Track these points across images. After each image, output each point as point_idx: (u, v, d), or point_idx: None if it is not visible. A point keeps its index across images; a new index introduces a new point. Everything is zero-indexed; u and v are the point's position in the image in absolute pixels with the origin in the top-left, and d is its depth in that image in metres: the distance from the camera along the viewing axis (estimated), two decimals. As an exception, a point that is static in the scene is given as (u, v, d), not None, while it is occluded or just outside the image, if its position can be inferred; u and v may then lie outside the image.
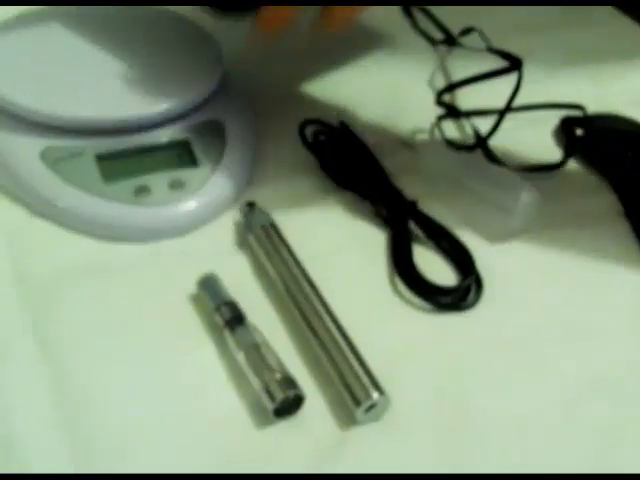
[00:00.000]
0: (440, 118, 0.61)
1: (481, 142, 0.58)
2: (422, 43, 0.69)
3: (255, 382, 0.43)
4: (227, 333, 0.45)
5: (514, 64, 0.60)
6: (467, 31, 0.67)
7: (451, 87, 0.62)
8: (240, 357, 0.44)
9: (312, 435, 0.42)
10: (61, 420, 0.42)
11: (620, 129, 0.62)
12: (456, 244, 0.52)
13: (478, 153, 0.58)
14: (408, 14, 0.72)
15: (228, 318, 0.45)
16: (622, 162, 0.59)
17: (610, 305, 0.51)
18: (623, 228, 0.55)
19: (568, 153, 0.60)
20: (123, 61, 0.55)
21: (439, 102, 0.61)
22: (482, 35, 0.65)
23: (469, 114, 0.61)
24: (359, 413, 0.42)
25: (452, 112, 0.61)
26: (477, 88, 0.62)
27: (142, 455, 0.41)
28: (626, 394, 0.46)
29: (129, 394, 0.43)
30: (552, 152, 0.60)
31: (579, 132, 0.62)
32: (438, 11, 0.71)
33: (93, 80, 0.53)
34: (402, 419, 0.43)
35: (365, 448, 0.42)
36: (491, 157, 0.58)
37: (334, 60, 0.67)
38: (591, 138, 0.61)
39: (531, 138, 0.61)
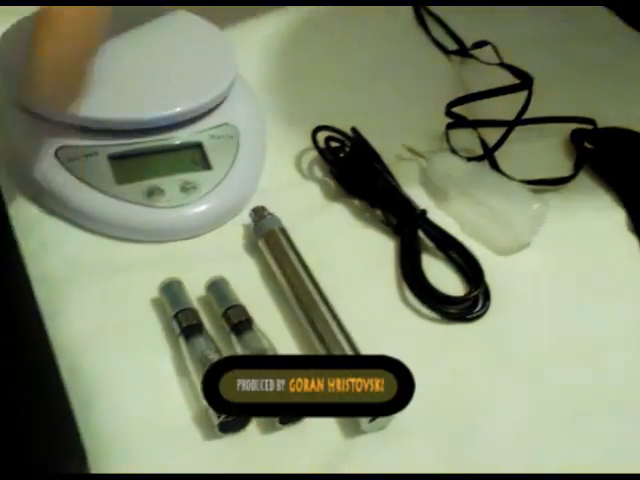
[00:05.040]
0: (449, 127, 0.61)
1: (488, 153, 0.59)
2: (435, 52, 0.69)
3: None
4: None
5: (525, 82, 0.60)
6: (480, 44, 0.67)
7: (461, 100, 0.62)
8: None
9: (316, 443, 0.42)
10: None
11: (631, 144, 0.62)
12: (465, 254, 0.52)
13: (486, 164, 0.58)
14: (422, 23, 0.72)
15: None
16: (632, 177, 0.59)
17: (617, 320, 0.51)
18: (631, 244, 0.56)
19: (577, 166, 0.60)
20: (139, 63, 0.56)
21: (448, 114, 0.61)
22: (495, 49, 0.65)
23: (478, 124, 0.61)
24: (364, 422, 0.42)
25: (461, 122, 0.61)
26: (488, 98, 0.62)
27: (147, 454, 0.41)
28: (632, 409, 0.46)
29: (132, 391, 0.44)
30: (562, 164, 0.61)
31: (589, 145, 0.62)
32: (452, 21, 0.72)
33: (108, 81, 0.54)
34: (407, 429, 0.43)
35: (370, 457, 0.42)
36: (497, 168, 0.58)
37: (348, 66, 0.67)
38: (601, 152, 0.62)
39: (541, 150, 0.62)
